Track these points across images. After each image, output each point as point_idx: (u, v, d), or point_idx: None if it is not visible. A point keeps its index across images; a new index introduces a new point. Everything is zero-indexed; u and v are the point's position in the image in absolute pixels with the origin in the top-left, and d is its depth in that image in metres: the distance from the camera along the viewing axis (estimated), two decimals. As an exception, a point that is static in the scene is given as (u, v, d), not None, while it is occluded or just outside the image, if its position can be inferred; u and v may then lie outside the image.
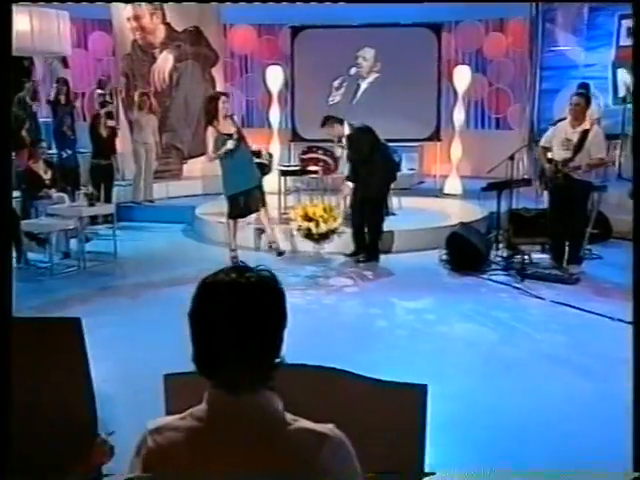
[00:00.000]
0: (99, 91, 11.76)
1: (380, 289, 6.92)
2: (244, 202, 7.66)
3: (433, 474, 1.91)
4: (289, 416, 1.49)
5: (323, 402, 1.87)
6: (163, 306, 5.99)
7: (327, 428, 1.49)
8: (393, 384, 1.85)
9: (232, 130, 7.52)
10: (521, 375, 4.77)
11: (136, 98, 11.18)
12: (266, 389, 1.50)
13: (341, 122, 8.31)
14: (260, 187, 7.76)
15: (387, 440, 1.81)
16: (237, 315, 1.45)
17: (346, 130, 8.20)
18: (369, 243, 7.96)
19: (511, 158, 7.45)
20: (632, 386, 2.62)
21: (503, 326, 5.79)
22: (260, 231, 8.53)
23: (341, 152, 8.23)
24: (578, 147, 6.93)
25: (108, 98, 11.66)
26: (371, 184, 7.77)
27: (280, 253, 7.88)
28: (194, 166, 12.73)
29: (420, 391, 1.82)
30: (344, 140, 8.18)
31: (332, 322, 5.95)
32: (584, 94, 7.30)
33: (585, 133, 6.92)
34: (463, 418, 4.06)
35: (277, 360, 1.51)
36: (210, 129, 7.51)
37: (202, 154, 12.97)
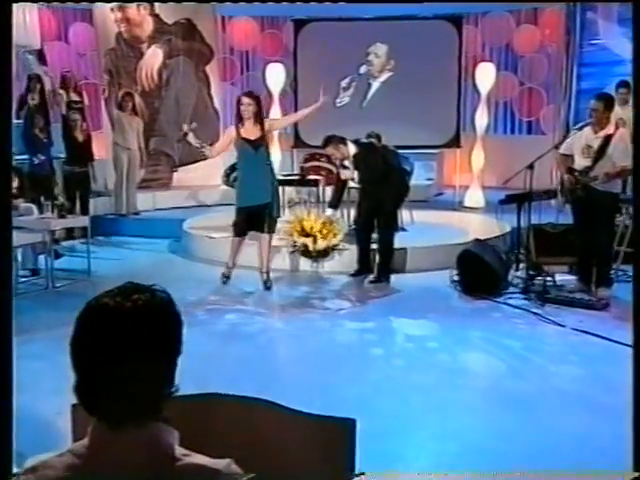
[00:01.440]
0: (60, 91, 11.77)
1: (380, 313, 6.92)
2: (246, 219, 7.55)
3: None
4: (181, 451, 1.51)
5: (245, 434, 1.90)
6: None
7: (222, 464, 1.50)
8: (321, 417, 1.86)
9: (255, 135, 7.40)
10: (528, 413, 4.71)
11: (119, 98, 11.30)
12: (157, 422, 1.51)
13: (344, 142, 8.22)
14: (270, 208, 7.54)
15: (311, 475, 1.82)
16: (120, 342, 1.47)
17: (351, 149, 8.07)
18: (380, 262, 7.96)
19: (530, 167, 7.41)
20: (632, 386, 2.78)
21: (514, 356, 5.75)
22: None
23: (350, 174, 8.09)
24: (599, 154, 6.89)
25: (75, 96, 11.68)
26: (384, 199, 7.81)
27: (268, 287, 7.65)
28: (186, 175, 12.83)
29: (348, 426, 1.83)
30: (349, 162, 8.13)
31: (321, 349, 5.95)
32: (604, 97, 7.23)
33: (608, 139, 6.87)
34: (457, 461, 4.02)
35: (170, 390, 1.53)
36: (230, 128, 7.67)
37: (195, 161, 13.16)
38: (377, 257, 8.02)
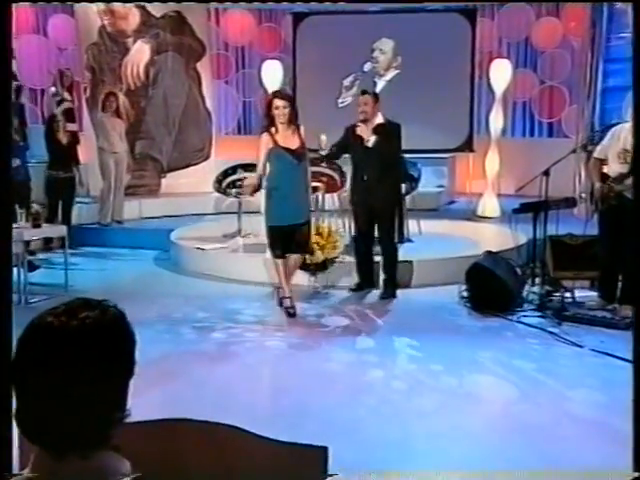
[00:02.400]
0: (53, 89, 11.85)
1: (380, 331, 6.92)
2: (283, 238, 7.17)
3: None
4: (131, 482, 1.49)
5: (211, 461, 1.90)
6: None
7: None
8: (291, 444, 1.86)
9: (295, 144, 7.01)
10: (540, 442, 4.68)
11: (102, 98, 11.34)
12: (106, 451, 1.50)
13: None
14: (307, 228, 7.29)
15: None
16: (64, 365, 1.45)
17: (379, 118, 7.85)
18: (388, 275, 7.95)
19: (546, 173, 7.41)
20: (632, 386, 2.92)
21: (526, 380, 5.72)
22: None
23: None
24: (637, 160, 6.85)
25: (67, 95, 11.76)
26: (389, 200, 7.78)
27: (291, 314, 7.29)
28: (175, 181, 12.88)
29: (319, 454, 1.83)
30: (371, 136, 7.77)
31: (315, 370, 5.94)
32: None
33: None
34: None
35: (121, 415, 1.51)
36: (264, 136, 7.08)
37: (186, 166, 13.23)
38: (381, 271, 8.00)
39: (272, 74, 12.32)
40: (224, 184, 10.66)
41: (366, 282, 8.07)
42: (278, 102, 6.97)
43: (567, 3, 13.30)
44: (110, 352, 1.50)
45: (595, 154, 7.45)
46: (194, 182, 12.71)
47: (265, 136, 7.04)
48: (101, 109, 11.21)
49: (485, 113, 12.65)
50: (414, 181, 10.19)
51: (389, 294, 7.89)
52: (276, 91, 7.36)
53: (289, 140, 7.00)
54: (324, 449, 1.83)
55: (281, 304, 7.35)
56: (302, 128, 7.11)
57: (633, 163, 5.42)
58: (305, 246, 7.35)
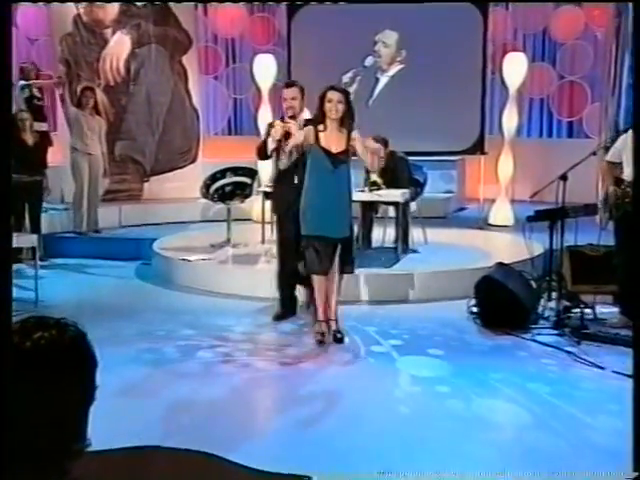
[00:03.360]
0: (22, 82, 11.81)
1: (382, 350, 6.92)
2: (321, 253, 6.87)
3: None
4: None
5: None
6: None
7: None
8: (274, 475, 1.85)
9: (338, 147, 6.77)
10: (557, 473, 4.66)
11: (77, 94, 11.32)
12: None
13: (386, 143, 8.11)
14: (349, 244, 7.04)
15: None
16: (15, 391, 1.43)
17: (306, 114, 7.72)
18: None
19: (563, 178, 7.42)
20: (632, 386, 2.61)
21: (541, 404, 5.71)
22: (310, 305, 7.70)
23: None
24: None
25: (37, 92, 11.74)
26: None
27: (339, 338, 7.05)
28: (159, 186, 12.88)
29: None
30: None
31: (310, 393, 5.93)
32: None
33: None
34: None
35: (80, 446, 1.50)
36: (307, 128, 6.89)
37: (171, 169, 13.23)
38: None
39: (265, 69, 12.38)
40: (212, 189, 10.64)
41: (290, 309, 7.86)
42: (333, 95, 6.68)
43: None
44: (67, 376, 1.48)
45: (607, 157, 7.52)
46: (179, 187, 12.71)
47: (309, 129, 6.84)
48: (76, 105, 11.18)
49: (498, 111, 12.66)
50: (419, 186, 10.18)
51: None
52: (331, 85, 6.89)
53: (333, 141, 6.77)
54: (307, 479, 1.82)
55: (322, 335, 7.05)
56: (356, 134, 6.82)
57: (633, 163, 5.45)
58: (348, 264, 7.06)
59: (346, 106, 6.70)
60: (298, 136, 6.91)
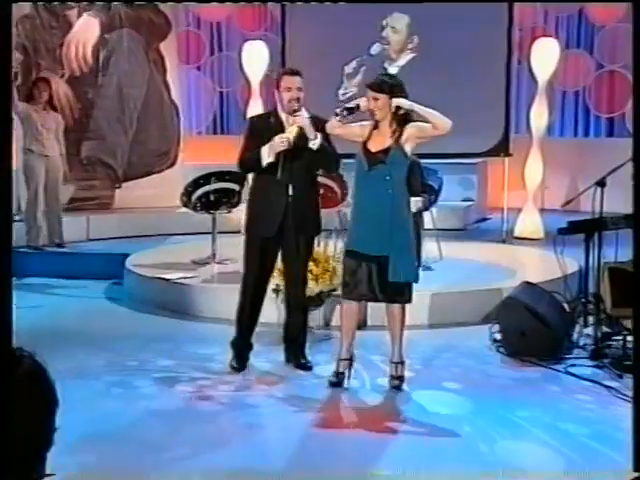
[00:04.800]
0: None
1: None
2: (356, 273, 6.68)
3: None
4: None
5: None
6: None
7: None
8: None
9: (379, 145, 6.61)
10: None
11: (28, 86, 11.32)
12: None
13: None
14: (384, 264, 6.59)
15: None
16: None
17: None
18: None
19: (600, 184, 7.41)
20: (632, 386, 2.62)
21: (577, 448, 5.69)
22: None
23: None
24: None
25: None
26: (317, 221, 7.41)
27: (397, 386, 6.77)
28: (132, 193, 12.89)
29: None
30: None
31: (308, 434, 5.90)
32: None
33: None
34: None
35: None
36: (364, 125, 6.75)
37: (147, 174, 13.23)
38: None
39: (256, 58, 12.43)
40: (194, 197, 10.63)
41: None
42: (368, 92, 6.63)
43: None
44: (21, 416, 1.47)
45: None
46: (156, 194, 12.71)
47: (365, 125, 6.69)
48: (26, 99, 11.15)
49: (525, 107, 12.69)
50: (434, 193, 10.17)
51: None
52: (377, 79, 6.70)
53: (378, 140, 6.63)
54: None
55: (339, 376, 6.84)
56: (410, 131, 6.55)
57: (633, 164, 5.48)
58: (401, 291, 6.70)
59: (389, 106, 6.52)
60: (357, 130, 6.71)
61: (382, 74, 7.02)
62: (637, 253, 4.84)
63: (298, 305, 7.32)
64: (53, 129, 11.14)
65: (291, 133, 6.84)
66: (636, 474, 2.55)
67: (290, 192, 6.96)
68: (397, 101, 6.50)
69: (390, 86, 6.60)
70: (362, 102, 6.64)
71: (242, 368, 7.22)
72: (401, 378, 6.77)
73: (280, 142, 6.78)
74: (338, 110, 6.66)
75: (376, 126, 6.67)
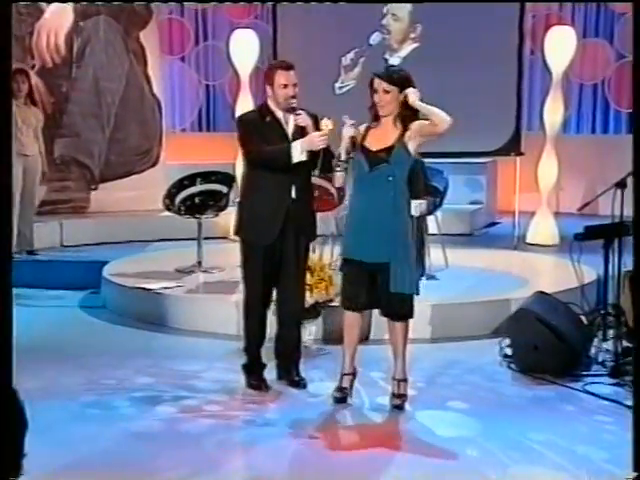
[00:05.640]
0: None
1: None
2: (356, 282, 6.72)
3: None
4: None
5: None
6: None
7: None
8: None
9: (381, 144, 6.60)
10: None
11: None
12: None
13: None
14: (385, 273, 6.59)
15: None
16: None
17: None
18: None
19: (621, 185, 7.42)
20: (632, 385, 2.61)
21: (596, 474, 5.67)
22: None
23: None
24: None
25: None
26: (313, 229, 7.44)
27: (399, 406, 6.78)
28: (110, 195, 12.88)
29: None
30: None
31: (303, 459, 5.90)
32: None
33: None
34: None
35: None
36: (348, 127, 6.66)
37: (126, 174, 13.21)
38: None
39: (245, 48, 12.43)
40: (178, 199, 10.61)
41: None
42: (377, 83, 6.54)
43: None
44: None
45: None
46: (136, 196, 12.71)
47: (349, 126, 6.61)
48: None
49: (539, 101, 12.71)
50: (439, 195, 10.18)
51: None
52: (384, 71, 6.86)
53: (378, 139, 6.62)
54: None
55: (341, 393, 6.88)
56: (416, 127, 6.50)
57: (633, 165, 5.51)
58: (402, 304, 6.67)
59: (397, 99, 6.49)
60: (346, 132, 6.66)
61: (388, 65, 6.96)
62: (637, 254, 5.01)
63: (293, 318, 7.30)
64: (33, 125, 11.14)
65: (327, 127, 6.76)
66: (636, 474, 2.55)
67: (293, 194, 6.93)
68: (411, 92, 6.43)
69: (402, 79, 6.55)
70: (346, 131, 6.59)
71: (266, 386, 7.24)
72: (403, 397, 6.78)
73: (317, 140, 6.72)
74: (336, 167, 6.68)
75: (375, 122, 6.65)
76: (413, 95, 6.44)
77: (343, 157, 6.57)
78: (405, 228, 6.65)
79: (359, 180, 6.71)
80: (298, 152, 6.78)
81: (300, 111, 6.88)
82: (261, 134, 6.94)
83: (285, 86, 6.90)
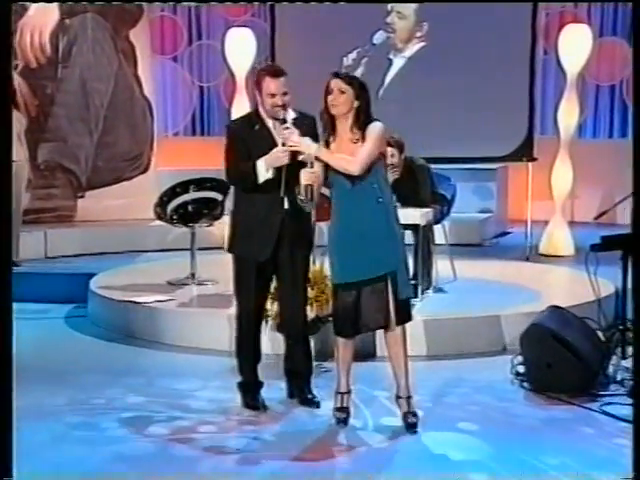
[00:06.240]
0: None
1: (397, 424, 6.83)
2: (353, 306, 6.64)
3: None
4: None
5: None
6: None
7: None
8: None
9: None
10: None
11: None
12: None
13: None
14: (393, 283, 6.58)
15: None
16: None
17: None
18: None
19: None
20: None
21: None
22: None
23: None
24: None
25: None
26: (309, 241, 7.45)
27: (412, 424, 6.72)
28: (98, 204, 12.89)
29: None
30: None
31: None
32: None
33: None
34: None
35: None
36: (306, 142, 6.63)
37: (115, 181, 13.20)
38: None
39: (241, 47, 12.44)
40: (170, 208, 10.61)
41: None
42: (333, 83, 6.45)
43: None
44: None
45: None
46: (126, 204, 12.71)
47: (313, 176, 6.50)
48: None
49: (552, 104, 12.70)
50: (446, 203, 10.19)
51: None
52: (344, 71, 6.82)
53: (346, 151, 6.51)
54: None
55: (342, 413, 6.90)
56: (378, 129, 6.51)
57: (633, 165, 5.55)
58: (399, 311, 6.64)
59: (356, 99, 6.47)
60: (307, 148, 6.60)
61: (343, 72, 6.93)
62: (637, 259, 4.61)
63: (299, 333, 7.31)
64: (16, 130, 11.13)
65: (292, 144, 6.63)
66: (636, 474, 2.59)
67: (286, 206, 6.87)
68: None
69: (359, 82, 6.54)
70: (304, 177, 6.45)
71: (264, 406, 7.24)
72: (416, 415, 6.75)
73: (281, 156, 6.69)
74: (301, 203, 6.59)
75: (332, 136, 6.58)
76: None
77: (302, 198, 6.52)
78: (398, 230, 6.73)
79: (342, 199, 6.59)
80: (264, 170, 6.73)
81: (288, 124, 6.69)
82: (248, 145, 6.89)
83: (273, 95, 6.78)
